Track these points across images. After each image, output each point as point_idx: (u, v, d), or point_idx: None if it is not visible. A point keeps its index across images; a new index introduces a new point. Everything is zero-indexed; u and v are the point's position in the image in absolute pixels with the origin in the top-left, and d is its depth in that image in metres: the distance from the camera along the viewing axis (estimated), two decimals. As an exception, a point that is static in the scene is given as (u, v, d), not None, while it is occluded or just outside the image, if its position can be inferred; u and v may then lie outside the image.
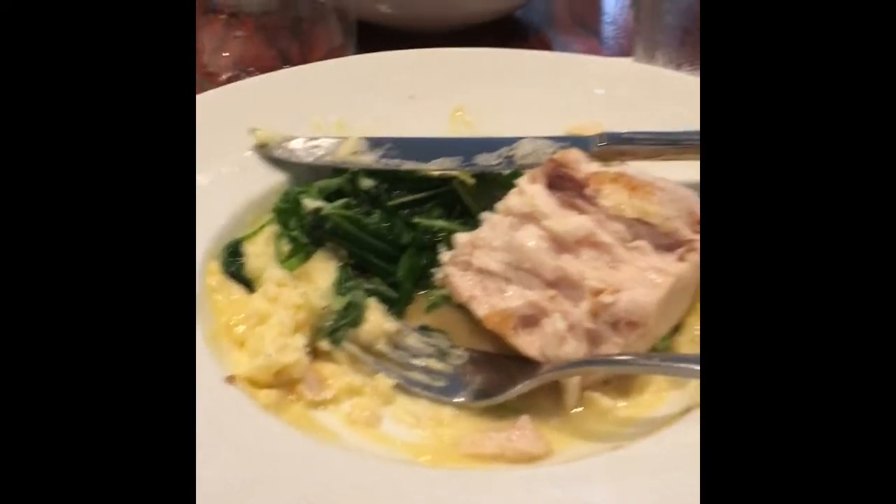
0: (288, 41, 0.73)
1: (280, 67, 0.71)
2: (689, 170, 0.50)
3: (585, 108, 0.56)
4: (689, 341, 0.44)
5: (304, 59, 0.71)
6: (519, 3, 0.82)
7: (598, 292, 0.41)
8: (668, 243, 0.43)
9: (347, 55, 0.69)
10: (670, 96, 0.55)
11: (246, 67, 0.70)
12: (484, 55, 0.61)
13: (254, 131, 0.53)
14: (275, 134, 0.53)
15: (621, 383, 0.42)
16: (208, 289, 0.45)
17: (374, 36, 0.75)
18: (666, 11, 0.60)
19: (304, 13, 0.71)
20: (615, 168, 0.46)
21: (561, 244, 0.43)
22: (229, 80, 0.70)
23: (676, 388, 0.41)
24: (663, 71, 0.59)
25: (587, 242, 0.43)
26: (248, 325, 0.43)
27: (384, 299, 0.46)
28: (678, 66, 0.61)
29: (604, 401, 0.41)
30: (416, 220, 0.49)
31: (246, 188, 0.51)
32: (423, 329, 0.46)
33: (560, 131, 0.54)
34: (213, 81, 0.69)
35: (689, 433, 0.37)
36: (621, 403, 0.41)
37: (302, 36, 0.72)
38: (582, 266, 0.42)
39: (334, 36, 0.70)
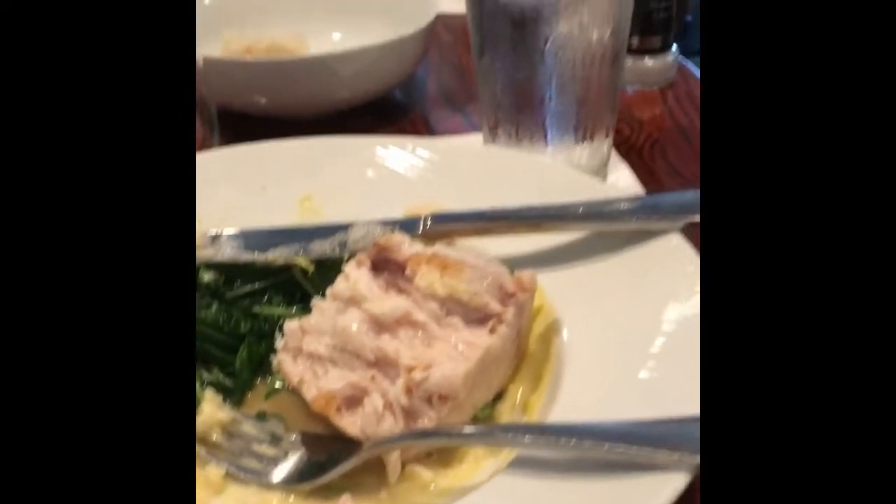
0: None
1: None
2: (518, 244, 0.53)
3: (425, 190, 0.59)
4: (510, 409, 0.47)
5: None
6: (386, 87, 0.85)
7: (411, 369, 0.43)
8: (478, 318, 0.46)
9: (211, 146, 0.71)
10: (503, 174, 0.59)
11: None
12: (333, 143, 0.64)
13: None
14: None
15: (442, 456, 0.44)
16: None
17: (251, 126, 0.78)
18: (500, 92, 0.64)
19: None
20: (432, 249, 0.49)
21: (381, 325, 0.46)
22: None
23: (492, 457, 0.43)
24: (498, 150, 0.63)
25: (405, 322, 0.46)
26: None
27: (222, 389, 0.48)
28: (518, 142, 0.65)
29: (424, 473, 0.43)
30: (256, 309, 0.51)
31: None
32: (260, 416, 0.47)
33: (401, 213, 0.57)
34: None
35: (493, 497, 0.39)
36: (441, 474, 0.43)
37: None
38: (399, 345, 0.45)
39: (197, 129, 0.72)
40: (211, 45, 0.85)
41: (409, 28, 0.82)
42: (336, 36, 0.92)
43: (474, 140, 0.73)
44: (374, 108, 0.85)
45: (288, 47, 0.85)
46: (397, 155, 0.62)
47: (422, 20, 0.83)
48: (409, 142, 0.64)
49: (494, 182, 0.59)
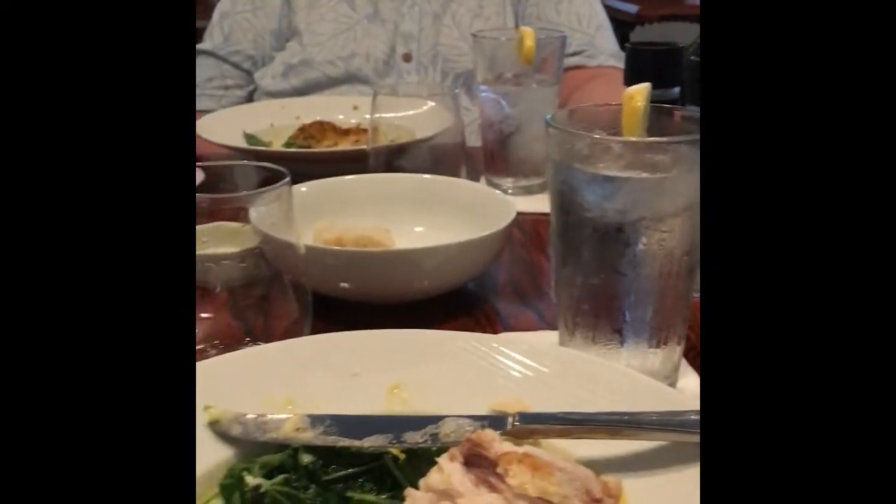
0: (253, 315, 0.81)
1: (244, 340, 0.79)
2: (598, 447, 0.56)
3: (509, 387, 0.63)
4: None
5: (267, 332, 0.79)
6: (463, 281, 0.91)
7: (503, 567, 0.45)
8: (567, 519, 0.48)
9: (305, 328, 0.76)
10: (582, 378, 0.62)
11: (212, 341, 0.78)
12: (420, 336, 0.69)
13: (206, 409, 0.59)
14: (226, 412, 0.59)
15: None
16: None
17: (335, 309, 0.84)
18: (580, 298, 0.69)
19: (269, 291, 0.80)
20: (523, 448, 0.52)
21: (473, 521, 0.48)
22: (197, 354, 0.78)
23: None
24: (578, 353, 0.67)
25: (496, 519, 0.48)
26: None
27: (315, 572, 0.50)
28: (594, 345, 0.69)
29: None
30: (350, 494, 0.54)
31: (197, 463, 0.56)
32: None
33: (484, 408, 0.60)
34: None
35: None
36: None
37: (265, 311, 0.81)
38: (491, 541, 0.47)
39: (293, 311, 0.78)
40: (304, 233, 0.92)
41: (488, 227, 0.89)
42: (419, 229, 0.99)
43: (549, 338, 0.77)
44: (450, 299, 0.90)
45: (375, 239, 0.92)
46: (481, 351, 0.67)
47: (501, 220, 0.90)
48: (493, 339, 0.69)
49: (572, 384, 0.62)
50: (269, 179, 0.77)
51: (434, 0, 1.68)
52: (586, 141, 0.67)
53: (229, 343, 0.78)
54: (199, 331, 0.79)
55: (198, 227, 0.82)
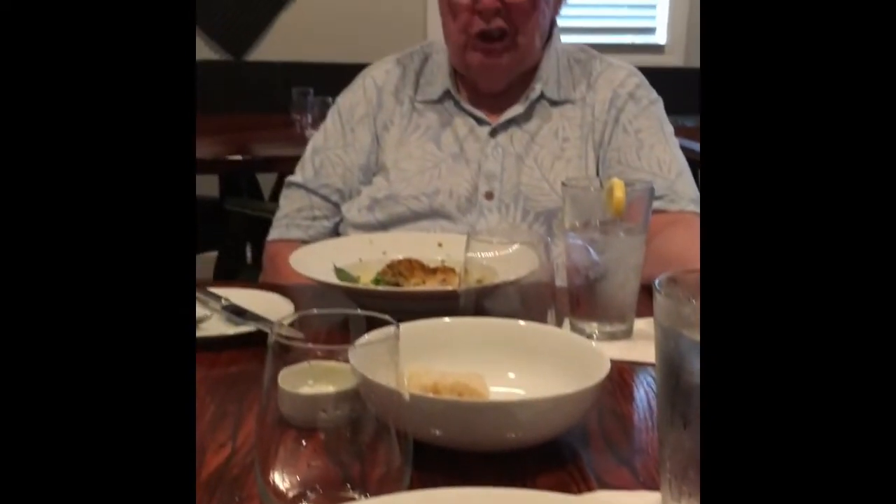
0: (352, 461, 0.82)
1: (342, 487, 0.79)
2: None
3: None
4: None
5: (364, 479, 0.79)
6: (556, 434, 0.91)
7: None
8: None
9: (405, 475, 0.77)
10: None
11: (312, 485, 0.79)
12: (520, 497, 0.69)
13: (320, 565, 0.60)
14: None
15: None
16: None
17: (426, 455, 0.85)
18: (687, 465, 0.68)
19: (370, 436, 0.81)
20: None
21: None
22: (294, 499, 0.79)
23: None
24: (688, 523, 0.66)
25: None
26: None
27: None
28: (702, 515, 0.68)
29: None
30: None
31: None
32: None
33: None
34: (282, 499, 0.78)
35: None
36: None
37: (365, 457, 0.81)
38: None
39: (394, 458, 0.79)
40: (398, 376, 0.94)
41: (580, 377, 0.90)
42: (512, 375, 1.00)
43: (650, 499, 0.76)
44: (541, 451, 0.90)
45: (470, 386, 0.93)
46: (587, 515, 0.66)
47: (594, 372, 0.90)
48: (594, 499, 0.68)
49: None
50: (376, 325, 0.80)
51: (517, 142, 1.74)
52: (694, 307, 0.68)
53: (328, 488, 0.78)
54: (300, 474, 0.80)
55: (307, 365, 0.84)
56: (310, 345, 0.76)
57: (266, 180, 3.67)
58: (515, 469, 0.84)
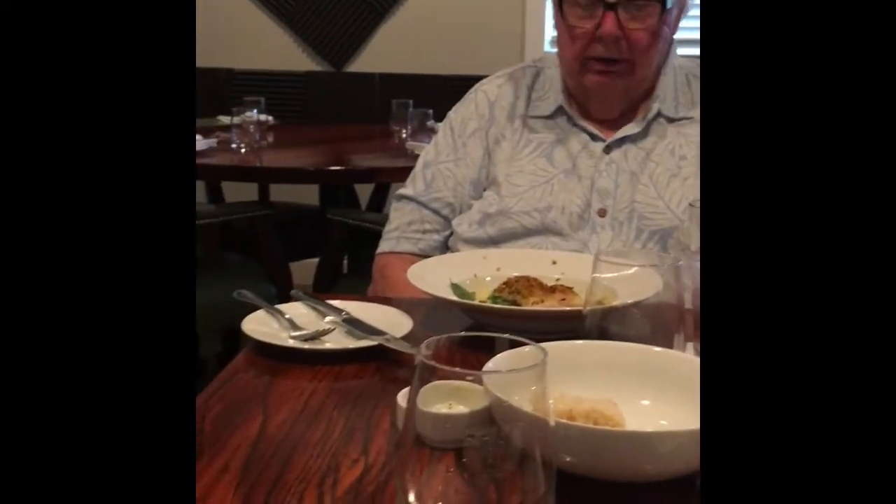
0: (490, 484, 0.81)
1: (480, 512, 0.78)
2: None
3: None
4: None
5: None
6: (693, 469, 0.88)
7: None
8: None
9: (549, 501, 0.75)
10: None
11: (449, 508, 0.78)
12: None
13: None
14: None
15: None
16: None
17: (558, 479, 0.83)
18: None
19: (511, 461, 0.79)
20: None
21: None
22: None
23: None
24: None
25: None
26: None
27: None
28: None
29: None
30: None
31: None
32: None
33: None
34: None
35: None
36: None
37: (504, 482, 0.80)
38: None
39: (538, 485, 0.77)
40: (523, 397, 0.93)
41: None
42: (645, 402, 0.98)
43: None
44: (679, 484, 0.87)
45: (606, 414, 0.91)
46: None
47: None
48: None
49: None
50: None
51: (632, 159, 1.71)
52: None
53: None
54: (437, 495, 0.80)
55: (442, 384, 0.84)
56: (458, 369, 0.75)
57: (362, 190, 3.72)
58: (652, 500, 0.82)
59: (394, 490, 0.86)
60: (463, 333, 0.81)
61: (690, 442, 0.85)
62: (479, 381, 0.82)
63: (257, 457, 0.93)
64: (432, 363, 0.76)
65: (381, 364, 1.20)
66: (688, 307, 1.23)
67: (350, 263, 3.14)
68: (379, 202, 3.55)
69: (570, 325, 1.13)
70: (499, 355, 0.81)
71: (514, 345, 0.83)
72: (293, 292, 1.40)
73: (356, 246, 2.90)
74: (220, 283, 2.88)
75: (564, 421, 0.87)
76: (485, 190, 1.78)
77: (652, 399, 0.98)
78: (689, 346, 1.23)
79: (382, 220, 2.39)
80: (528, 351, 0.79)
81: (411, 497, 0.80)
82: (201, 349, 3.57)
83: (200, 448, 0.94)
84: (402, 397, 0.97)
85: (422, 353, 0.77)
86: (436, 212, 1.80)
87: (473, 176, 1.79)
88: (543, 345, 1.03)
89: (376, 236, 1.89)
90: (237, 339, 3.42)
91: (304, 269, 3.34)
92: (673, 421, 0.91)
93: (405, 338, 1.23)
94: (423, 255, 1.73)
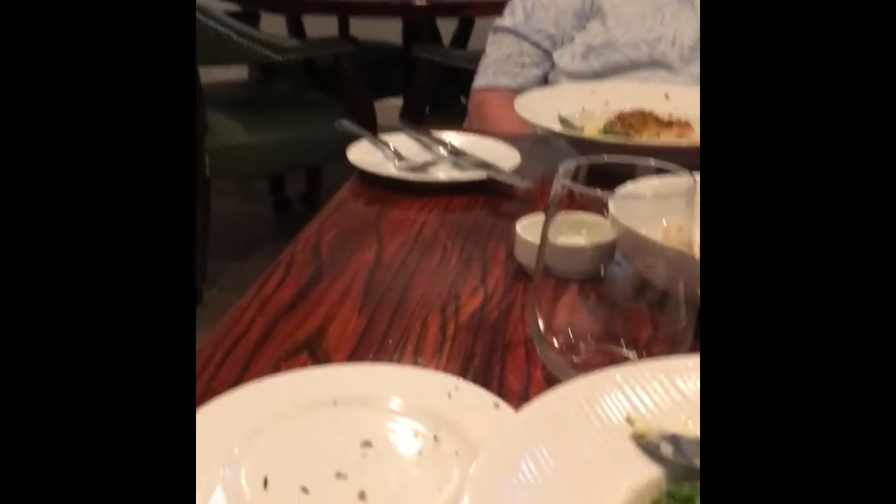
0: (625, 316, 0.78)
1: (612, 340, 0.76)
2: None
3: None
4: None
5: (636, 339, 0.76)
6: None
7: None
8: None
9: (686, 339, 0.73)
10: None
11: (584, 336, 0.76)
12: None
13: (631, 421, 0.58)
14: (652, 426, 0.57)
15: None
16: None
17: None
18: None
19: (650, 296, 0.76)
20: None
21: None
22: (564, 347, 0.77)
23: None
24: None
25: None
26: None
27: None
28: None
29: None
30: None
31: (626, 479, 0.54)
32: None
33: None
34: (550, 346, 0.76)
35: None
36: None
37: (643, 318, 0.78)
38: None
39: (677, 320, 0.74)
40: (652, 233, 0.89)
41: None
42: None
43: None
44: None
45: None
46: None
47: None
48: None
49: None
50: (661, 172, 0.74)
51: (754, -14, 1.58)
52: None
53: (601, 344, 0.76)
54: (570, 323, 0.78)
55: (569, 216, 0.81)
56: (598, 191, 0.71)
57: (444, 27, 3.59)
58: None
59: (516, 318, 0.85)
60: (606, 158, 0.76)
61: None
62: (603, 209, 0.78)
63: (377, 282, 0.92)
64: (576, 189, 0.72)
65: (490, 197, 1.17)
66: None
67: (432, 104, 3.07)
68: (463, 39, 3.42)
69: (687, 161, 1.07)
70: (636, 182, 0.76)
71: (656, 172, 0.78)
72: (396, 124, 1.36)
73: (440, 85, 2.82)
74: (304, 121, 2.86)
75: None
76: (589, 20, 1.68)
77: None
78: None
79: (470, 58, 2.30)
80: (671, 179, 0.74)
81: (543, 325, 0.78)
82: (286, 188, 3.61)
83: (320, 270, 0.94)
84: (521, 227, 0.94)
85: (561, 177, 0.73)
86: (536, 44, 1.71)
87: (577, 5, 1.68)
88: (668, 177, 0.98)
89: (462, 75, 1.81)
90: (319, 177, 3.44)
91: (386, 110, 3.29)
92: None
93: (515, 171, 1.19)
94: (522, 91, 1.66)
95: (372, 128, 2.35)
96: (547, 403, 0.58)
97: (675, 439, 0.56)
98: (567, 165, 0.73)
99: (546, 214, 0.76)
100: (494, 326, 0.85)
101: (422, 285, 0.92)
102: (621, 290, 0.79)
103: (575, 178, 0.76)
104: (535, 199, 1.14)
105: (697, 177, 0.74)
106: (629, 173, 0.79)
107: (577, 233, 0.83)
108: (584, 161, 0.74)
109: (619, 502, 0.52)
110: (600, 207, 0.78)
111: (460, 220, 1.11)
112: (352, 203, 1.15)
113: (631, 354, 0.75)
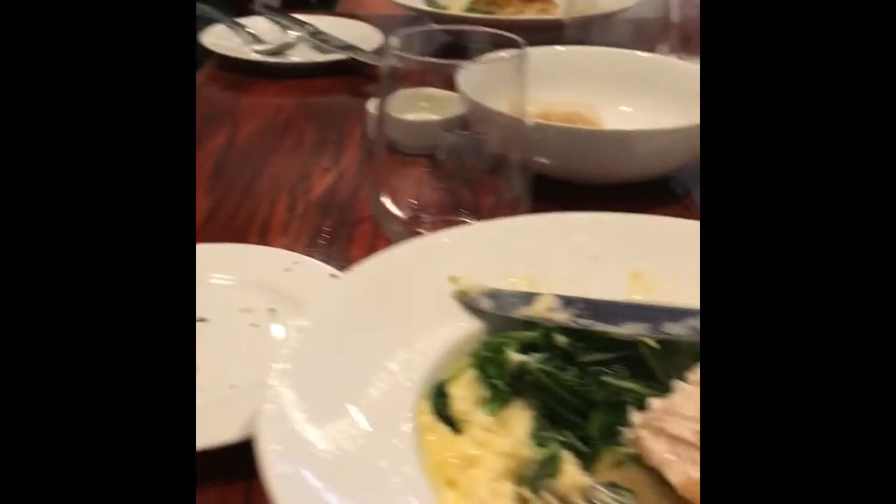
0: (466, 187, 0.79)
1: (454, 211, 0.78)
2: None
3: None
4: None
5: (477, 205, 0.78)
6: (675, 168, 0.87)
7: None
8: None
9: (523, 205, 0.75)
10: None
11: (427, 208, 0.77)
12: (665, 224, 0.66)
13: (453, 280, 0.59)
14: (473, 284, 0.59)
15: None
16: (421, 427, 0.50)
17: (536, 183, 0.82)
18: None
19: (486, 163, 0.78)
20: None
21: (754, 422, 0.46)
22: (410, 221, 0.77)
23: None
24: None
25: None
26: (458, 466, 0.48)
27: (576, 453, 0.50)
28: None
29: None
30: (605, 378, 0.53)
31: (449, 333, 0.56)
32: (613, 486, 0.49)
33: (736, 306, 0.58)
34: (396, 220, 0.77)
35: None
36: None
37: (479, 184, 0.79)
38: (776, 445, 0.45)
39: (512, 186, 0.76)
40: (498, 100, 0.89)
41: (698, 112, 0.84)
42: (626, 109, 0.95)
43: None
44: (654, 187, 0.86)
45: (584, 116, 0.88)
46: (725, 244, 0.63)
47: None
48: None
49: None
50: (499, 45, 0.74)
51: None
52: None
53: (442, 212, 0.77)
54: (414, 197, 0.79)
55: (415, 91, 0.80)
56: (428, 59, 0.71)
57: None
58: (628, 202, 0.81)
59: (367, 196, 0.85)
60: (435, 26, 0.75)
61: (669, 142, 0.84)
62: (451, 84, 0.78)
63: (227, 166, 0.90)
64: (404, 54, 0.71)
65: (350, 79, 1.15)
66: (673, 20, 1.17)
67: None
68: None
69: (550, 37, 1.07)
70: (477, 58, 0.75)
71: (495, 42, 0.77)
72: (254, 6, 1.31)
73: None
74: None
75: (542, 121, 0.84)
76: None
77: (633, 105, 0.95)
78: (674, 58, 1.18)
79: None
80: (505, 53, 0.74)
81: (387, 200, 0.79)
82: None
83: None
84: (372, 105, 0.93)
85: (391, 46, 0.72)
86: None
87: None
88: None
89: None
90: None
91: None
92: (654, 125, 0.88)
93: (376, 52, 1.16)
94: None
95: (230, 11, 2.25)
96: (373, 265, 0.59)
97: (494, 294, 0.58)
98: (398, 36, 0.72)
99: (380, 87, 0.75)
100: (344, 204, 0.85)
101: (274, 167, 0.90)
102: (463, 162, 0.80)
103: (421, 51, 0.75)
104: (418, 79, 1.13)
105: (538, 48, 0.75)
106: (479, 48, 0.79)
107: (426, 108, 0.83)
108: (416, 31, 0.73)
109: (438, 354, 0.54)
110: (447, 82, 0.79)
111: (319, 102, 1.09)
112: (207, 88, 1.11)
113: (472, 222, 0.76)
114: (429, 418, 0.50)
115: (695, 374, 0.49)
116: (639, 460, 0.49)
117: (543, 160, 0.85)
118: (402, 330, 0.55)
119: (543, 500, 0.47)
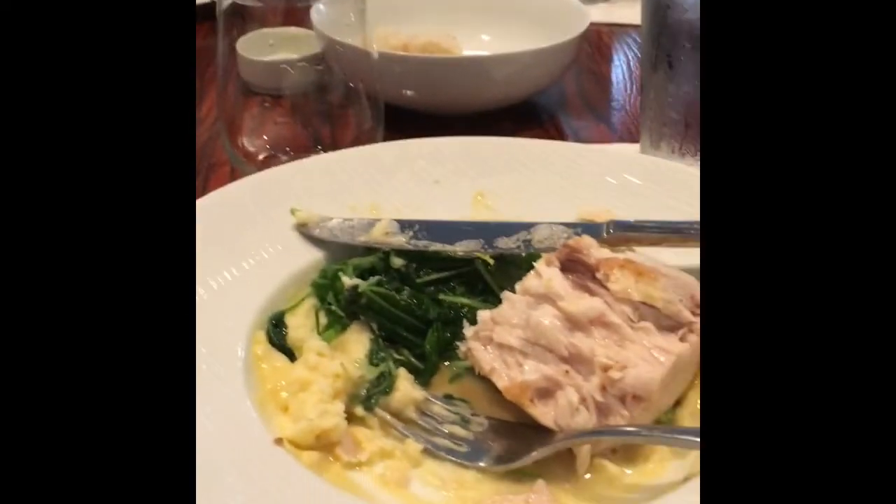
0: (321, 124, 0.79)
1: (313, 148, 0.77)
2: (690, 256, 0.55)
3: (596, 196, 0.61)
4: (690, 415, 0.49)
5: (335, 141, 0.77)
6: (534, 91, 0.88)
7: (607, 368, 0.46)
8: (670, 324, 0.48)
9: (377, 137, 0.74)
10: (673, 186, 0.60)
11: (282, 148, 0.76)
12: (503, 144, 0.67)
13: (294, 212, 0.59)
14: (313, 214, 0.59)
15: (627, 452, 0.46)
16: (255, 357, 0.50)
17: (398, 118, 0.82)
18: (669, 106, 0.66)
19: (339, 98, 0.77)
20: (623, 255, 0.51)
21: (574, 323, 0.48)
22: (265, 161, 0.77)
23: (678, 458, 0.45)
24: (667, 162, 0.65)
25: (598, 322, 0.48)
26: (290, 391, 0.48)
27: (412, 370, 0.51)
28: (681, 157, 0.67)
29: (612, 468, 0.45)
30: (442, 296, 0.54)
31: (288, 264, 0.56)
32: (448, 398, 0.50)
33: (572, 217, 0.59)
34: (252, 161, 0.76)
35: (689, 499, 0.41)
36: (627, 471, 0.45)
37: (335, 119, 0.78)
38: (593, 344, 0.47)
39: (365, 120, 0.76)
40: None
41: (559, 35, 0.84)
42: (485, 38, 0.95)
43: (629, 150, 0.75)
44: (518, 111, 0.87)
45: (442, 46, 0.88)
46: (565, 159, 0.65)
47: (574, 29, 0.85)
48: (576, 148, 0.67)
49: (662, 193, 0.61)
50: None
51: None
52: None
53: (298, 150, 0.76)
54: (269, 137, 0.78)
55: (266, 31, 0.79)
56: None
57: None
58: (492, 129, 0.81)
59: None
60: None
61: (526, 64, 0.84)
62: (301, 23, 0.77)
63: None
64: (240, 3, 0.69)
65: (212, 24, 1.11)
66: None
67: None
68: None
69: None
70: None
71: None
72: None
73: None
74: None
75: (398, 52, 0.83)
76: None
77: (493, 34, 0.95)
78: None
79: None
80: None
81: (242, 141, 0.78)
82: None
83: None
84: (242, 45, 0.91)
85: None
86: None
87: None
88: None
89: None
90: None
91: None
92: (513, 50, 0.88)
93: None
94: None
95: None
96: (213, 200, 0.58)
97: (333, 224, 0.58)
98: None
99: (224, 27, 0.74)
100: (203, 148, 0.83)
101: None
102: (317, 98, 0.79)
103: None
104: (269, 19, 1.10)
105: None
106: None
107: (280, 47, 0.82)
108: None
109: (275, 286, 0.54)
110: (304, 21, 0.77)
111: (183, 49, 1.06)
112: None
113: (327, 157, 0.75)
114: (263, 347, 0.51)
115: (524, 283, 0.50)
116: (473, 372, 0.50)
117: (408, 92, 0.85)
118: (242, 263, 0.55)
119: (378, 416, 0.49)
